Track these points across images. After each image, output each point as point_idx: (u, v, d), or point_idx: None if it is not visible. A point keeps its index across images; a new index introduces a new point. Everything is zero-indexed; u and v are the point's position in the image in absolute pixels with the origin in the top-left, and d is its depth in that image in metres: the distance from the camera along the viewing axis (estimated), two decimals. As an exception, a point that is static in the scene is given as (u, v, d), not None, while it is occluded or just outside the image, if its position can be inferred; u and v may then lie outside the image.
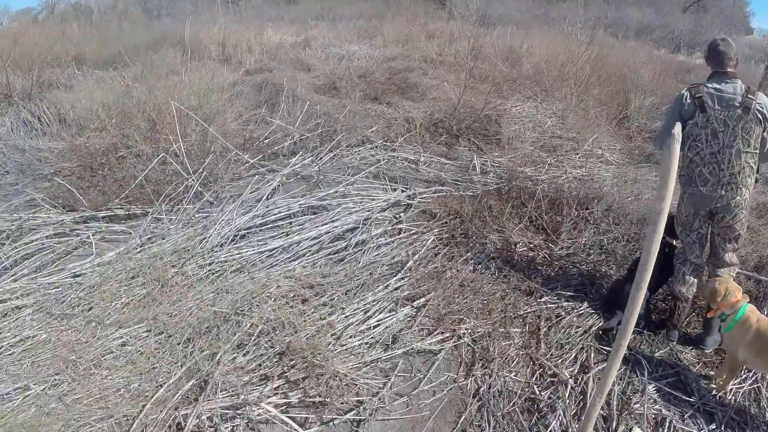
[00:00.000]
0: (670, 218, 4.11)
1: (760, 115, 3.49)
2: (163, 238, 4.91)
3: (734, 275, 3.93)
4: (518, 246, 4.99)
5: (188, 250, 4.68)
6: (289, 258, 4.71)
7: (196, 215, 5.34)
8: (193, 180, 5.81)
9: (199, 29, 15.15)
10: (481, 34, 12.56)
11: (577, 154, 7.62)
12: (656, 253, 2.48)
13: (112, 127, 7.03)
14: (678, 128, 2.49)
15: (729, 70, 3.63)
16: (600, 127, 8.48)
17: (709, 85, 3.59)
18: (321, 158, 6.79)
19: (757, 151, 3.58)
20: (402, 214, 5.52)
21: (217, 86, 8.28)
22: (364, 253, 4.76)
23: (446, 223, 5.37)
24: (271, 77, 10.53)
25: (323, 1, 38.88)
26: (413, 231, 5.20)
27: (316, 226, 5.08)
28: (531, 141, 8.02)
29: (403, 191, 5.98)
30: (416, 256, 4.71)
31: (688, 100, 3.61)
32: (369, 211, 5.43)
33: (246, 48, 14.97)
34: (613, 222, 5.24)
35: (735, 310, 3.27)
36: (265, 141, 7.46)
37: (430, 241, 5.00)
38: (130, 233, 5.06)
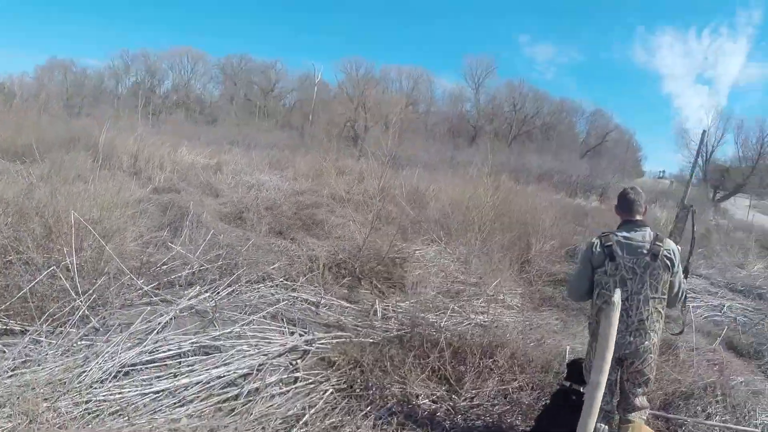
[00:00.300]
0: (577, 365, 4.11)
1: (668, 261, 3.62)
2: (38, 365, 4.39)
3: (645, 418, 3.92)
4: (420, 398, 4.79)
5: (65, 382, 4.17)
6: (175, 403, 4.29)
7: (79, 342, 4.83)
8: (81, 302, 5.30)
9: (115, 136, 15.04)
10: (390, 175, 13.02)
11: (479, 299, 7.66)
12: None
13: (6, 227, 6.49)
14: (618, 296, 2.51)
15: (638, 218, 3.81)
16: (502, 272, 8.63)
17: (619, 234, 3.73)
18: (218, 293, 6.42)
19: (665, 297, 3.68)
20: (299, 361, 5.21)
21: (122, 201, 7.98)
22: (256, 403, 4.42)
23: (345, 372, 5.09)
24: (178, 198, 10.40)
25: (241, 125, 39.74)
26: (310, 380, 4.91)
27: (207, 369, 4.70)
28: (434, 286, 8.03)
29: (301, 335, 5.70)
30: (313, 410, 4.41)
31: (598, 249, 3.71)
32: (265, 355, 5.10)
33: (158, 164, 14.91)
34: (518, 370, 5.15)
35: None
36: (163, 267, 7.06)
37: (328, 392, 4.72)
38: (4, 352, 4.51)
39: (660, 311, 3.70)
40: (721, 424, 4.69)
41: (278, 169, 19.00)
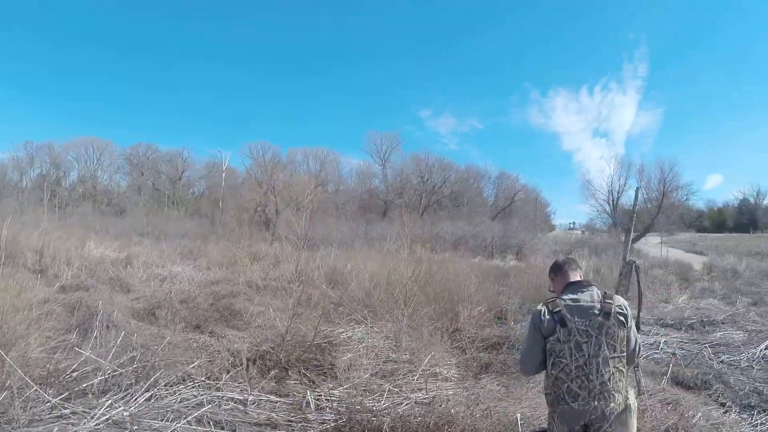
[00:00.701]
0: None
1: (621, 317, 3.52)
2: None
3: None
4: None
5: None
6: None
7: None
8: (-21, 423, 4.78)
9: (18, 231, 14.19)
10: (306, 258, 12.80)
11: (415, 375, 7.40)
12: None
13: None
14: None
15: (580, 278, 3.73)
16: (435, 345, 8.45)
17: (566, 297, 3.60)
18: (136, 399, 5.84)
19: (624, 354, 3.55)
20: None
21: (25, 303, 7.29)
22: None
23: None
24: (86, 297, 9.84)
25: (149, 216, 38.77)
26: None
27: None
28: (366, 368, 7.64)
29: None
30: None
31: (547, 316, 3.56)
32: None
33: (65, 260, 14.21)
34: None
35: None
36: (73, 374, 6.44)
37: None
38: None
39: (621, 370, 3.56)
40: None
41: (190, 259, 18.46)
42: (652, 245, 43.25)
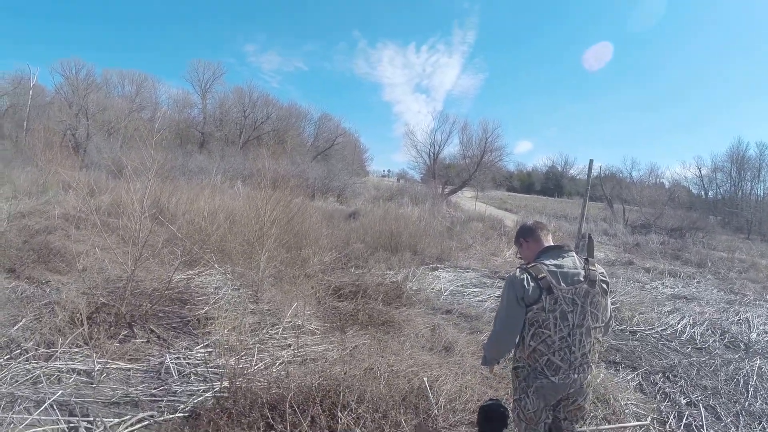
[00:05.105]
0: (496, 413, 3.56)
1: (604, 285, 3.21)
2: None
3: None
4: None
5: None
6: None
7: None
8: None
9: None
10: (122, 188, 11.05)
11: (279, 328, 6.66)
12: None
13: None
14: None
15: (560, 243, 3.32)
16: (294, 295, 7.74)
17: (548, 263, 3.16)
18: None
19: (603, 324, 3.27)
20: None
21: None
22: None
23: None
24: None
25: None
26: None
27: None
28: (224, 322, 6.57)
29: (88, 431, 3.98)
30: None
31: (531, 284, 3.09)
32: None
33: None
34: (379, 416, 4.11)
35: None
36: None
37: None
38: None
39: (600, 340, 3.28)
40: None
41: (-8, 186, 15.65)
42: (465, 199, 45.59)
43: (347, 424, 3.98)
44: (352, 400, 4.24)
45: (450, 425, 4.41)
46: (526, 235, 3.46)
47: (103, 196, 14.12)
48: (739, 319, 10.26)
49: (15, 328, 5.56)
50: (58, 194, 14.20)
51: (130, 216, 7.12)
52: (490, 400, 3.67)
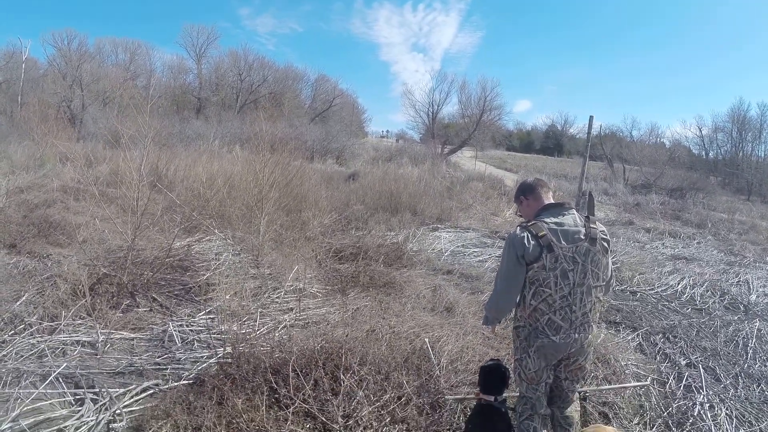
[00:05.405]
0: (496, 372, 3.50)
1: (605, 243, 3.18)
2: None
3: (579, 409, 3.59)
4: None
5: None
6: None
7: None
8: None
9: None
10: (119, 157, 10.97)
11: (278, 293, 6.70)
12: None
13: None
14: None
15: (560, 201, 3.30)
16: (295, 258, 7.77)
17: (548, 221, 3.13)
18: None
19: (604, 283, 3.25)
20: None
21: None
22: None
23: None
24: None
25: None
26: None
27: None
28: (228, 288, 6.63)
29: (94, 402, 3.99)
30: None
31: (532, 242, 3.06)
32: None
33: None
34: (381, 378, 4.12)
35: None
36: None
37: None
38: None
39: (600, 299, 3.28)
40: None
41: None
42: (465, 158, 45.31)
43: (350, 386, 4.00)
44: (355, 363, 4.26)
45: (452, 386, 4.44)
46: (526, 192, 3.42)
47: (100, 166, 14.01)
48: (738, 281, 10.25)
49: (18, 303, 5.53)
50: (55, 167, 14.13)
51: (128, 185, 7.04)
52: (492, 360, 3.67)
